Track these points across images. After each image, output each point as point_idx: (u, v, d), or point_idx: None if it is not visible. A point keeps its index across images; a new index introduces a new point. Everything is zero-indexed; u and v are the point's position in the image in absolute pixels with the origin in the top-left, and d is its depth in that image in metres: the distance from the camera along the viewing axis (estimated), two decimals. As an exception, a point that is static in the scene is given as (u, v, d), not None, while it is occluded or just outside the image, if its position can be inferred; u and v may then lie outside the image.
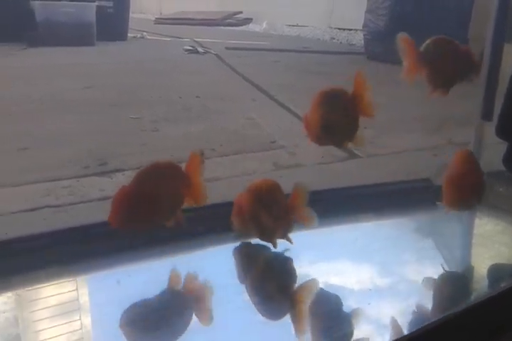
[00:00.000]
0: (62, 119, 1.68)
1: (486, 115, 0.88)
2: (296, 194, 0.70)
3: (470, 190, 0.76)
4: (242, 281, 0.71)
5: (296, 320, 0.60)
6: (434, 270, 0.73)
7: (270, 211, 0.69)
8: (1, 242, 0.77)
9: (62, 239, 0.81)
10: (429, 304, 0.66)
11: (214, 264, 0.77)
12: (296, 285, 0.68)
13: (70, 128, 1.57)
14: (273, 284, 0.71)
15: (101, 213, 0.97)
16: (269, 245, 0.73)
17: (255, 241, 0.76)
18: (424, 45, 0.78)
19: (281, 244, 0.73)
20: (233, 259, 0.76)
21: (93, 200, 1.03)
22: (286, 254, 0.74)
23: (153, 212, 0.68)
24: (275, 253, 0.74)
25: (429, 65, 0.78)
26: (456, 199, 0.76)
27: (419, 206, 0.90)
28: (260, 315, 0.63)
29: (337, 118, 0.67)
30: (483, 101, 0.88)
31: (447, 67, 0.79)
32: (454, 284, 0.72)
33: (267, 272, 0.75)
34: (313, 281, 0.68)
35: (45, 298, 0.71)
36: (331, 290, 0.67)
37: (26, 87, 2.27)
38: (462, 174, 0.76)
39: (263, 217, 0.69)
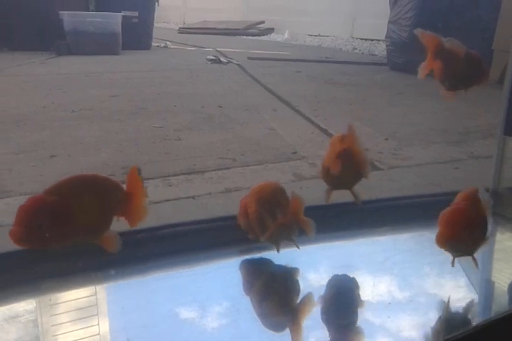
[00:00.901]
0: (90, 127, 1.73)
1: (509, 130, 0.88)
2: (294, 202, 0.72)
3: (466, 229, 0.65)
4: (247, 293, 0.72)
5: (293, 334, 0.61)
6: (455, 284, 0.74)
7: (273, 213, 0.71)
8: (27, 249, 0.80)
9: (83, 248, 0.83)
10: (448, 318, 0.66)
11: (221, 277, 0.78)
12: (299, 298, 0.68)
13: (96, 136, 1.61)
14: (276, 297, 0.71)
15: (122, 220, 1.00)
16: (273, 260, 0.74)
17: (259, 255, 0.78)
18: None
19: (288, 255, 0.74)
20: (239, 273, 0.77)
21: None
22: (293, 266, 0.75)
23: (66, 227, 0.60)
24: (280, 267, 0.75)
25: (442, 62, 0.80)
26: (448, 238, 0.65)
27: (437, 220, 0.90)
28: (264, 326, 0.64)
29: (351, 173, 0.83)
30: (505, 116, 0.89)
31: (457, 68, 0.81)
32: (474, 299, 0.72)
33: (271, 286, 0.76)
34: (311, 296, 0.68)
35: (65, 302, 0.73)
36: (349, 303, 0.68)
37: (56, 95, 2.34)
38: (459, 210, 0.67)
39: (266, 218, 0.71)
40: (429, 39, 0.79)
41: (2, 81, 2.76)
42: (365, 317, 0.65)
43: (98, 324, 0.69)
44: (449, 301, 0.71)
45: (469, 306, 0.71)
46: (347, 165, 0.79)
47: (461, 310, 0.69)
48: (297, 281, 0.73)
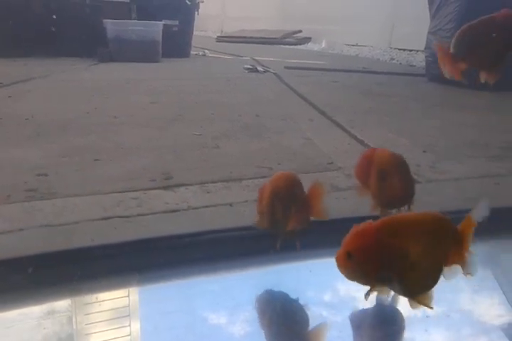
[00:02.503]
0: (131, 133, 1.79)
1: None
2: (314, 190, 0.73)
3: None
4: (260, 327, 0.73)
5: None
6: (491, 301, 0.73)
7: (284, 203, 0.72)
8: (65, 250, 0.84)
9: (124, 250, 0.86)
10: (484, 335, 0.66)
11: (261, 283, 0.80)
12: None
13: (137, 142, 1.66)
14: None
15: (165, 225, 1.04)
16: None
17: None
18: (455, 37, 0.78)
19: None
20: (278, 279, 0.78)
21: (158, 212, 1.09)
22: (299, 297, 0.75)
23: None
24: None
25: (468, 55, 0.77)
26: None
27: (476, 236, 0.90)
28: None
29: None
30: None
31: (487, 48, 0.77)
32: (508, 318, 0.71)
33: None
34: (325, 325, 0.69)
35: (99, 302, 0.76)
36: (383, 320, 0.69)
37: (100, 100, 2.42)
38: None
39: (276, 208, 0.72)
40: (440, 54, 0.79)
41: (47, 86, 2.87)
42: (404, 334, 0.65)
43: (129, 325, 0.71)
44: (484, 318, 0.70)
45: (504, 324, 0.70)
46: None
47: (495, 328, 0.69)
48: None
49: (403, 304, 0.71)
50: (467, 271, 0.58)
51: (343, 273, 0.53)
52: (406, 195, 0.77)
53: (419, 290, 0.56)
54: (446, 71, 0.79)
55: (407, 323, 0.66)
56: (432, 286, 0.56)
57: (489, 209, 0.58)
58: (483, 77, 0.78)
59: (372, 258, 0.51)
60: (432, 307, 0.57)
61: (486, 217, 0.59)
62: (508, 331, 0.67)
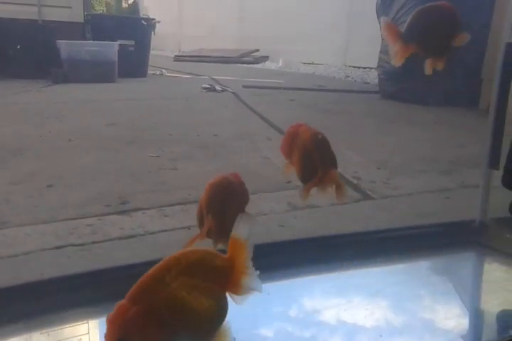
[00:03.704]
0: (87, 156, 1.76)
1: (493, 164, 0.91)
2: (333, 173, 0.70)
3: None
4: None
5: None
6: (444, 316, 0.75)
7: (214, 209, 0.69)
8: (25, 284, 0.80)
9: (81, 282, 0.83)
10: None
11: None
12: None
13: (93, 166, 1.63)
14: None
15: (120, 252, 1.02)
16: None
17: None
18: (408, 20, 0.79)
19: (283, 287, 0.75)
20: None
21: (114, 239, 1.07)
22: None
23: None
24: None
25: (417, 38, 0.78)
26: None
27: (427, 251, 0.93)
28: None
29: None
30: (490, 150, 0.92)
31: (436, 34, 0.77)
32: (463, 330, 0.73)
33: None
34: None
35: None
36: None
37: (53, 123, 2.37)
38: None
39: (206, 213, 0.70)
40: (388, 28, 0.78)
41: (-1, 109, 2.79)
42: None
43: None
44: (439, 333, 0.72)
45: (458, 338, 0.72)
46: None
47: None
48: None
49: (358, 323, 0.72)
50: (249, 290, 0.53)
51: None
52: (326, 172, 0.75)
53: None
54: (395, 51, 0.79)
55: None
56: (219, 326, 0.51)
57: (249, 222, 0.53)
58: (430, 64, 0.79)
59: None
60: None
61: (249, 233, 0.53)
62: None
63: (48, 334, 0.71)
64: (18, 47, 4.23)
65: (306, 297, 0.80)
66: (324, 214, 1.29)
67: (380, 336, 0.68)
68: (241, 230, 0.54)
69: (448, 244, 0.92)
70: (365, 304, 0.76)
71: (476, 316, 0.78)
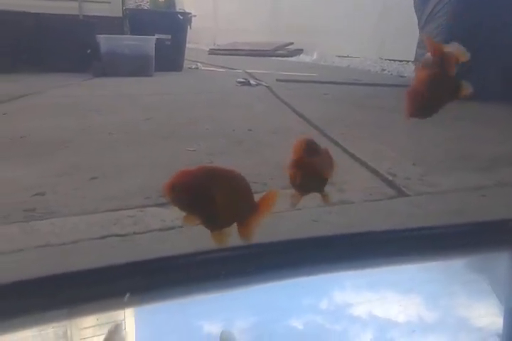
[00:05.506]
0: (126, 150, 1.82)
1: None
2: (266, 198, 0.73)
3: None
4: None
5: None
6: (478, 313, 0.76)
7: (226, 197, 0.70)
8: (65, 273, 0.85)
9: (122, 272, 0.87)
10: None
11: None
12: None
13: (133, 159, 1.69)
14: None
15: (161, 243, 1.06)
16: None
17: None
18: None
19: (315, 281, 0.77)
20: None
21: (155, 230, 1.11)
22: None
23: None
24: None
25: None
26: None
27: (462, 249, 0.93)
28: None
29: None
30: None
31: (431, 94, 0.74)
32: (496, 328, 0.74)
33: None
34: None
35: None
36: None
37: (93, 117, 2.45)
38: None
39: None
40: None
41: (41, 103, 2.90)
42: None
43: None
44: (478, 330, 0.73)
45: (494, 335, 0.73)
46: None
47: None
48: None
49: (396, 320, 0.74)
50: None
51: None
52: (318, 180, 0.78)
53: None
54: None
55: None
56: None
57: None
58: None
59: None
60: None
61: None
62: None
63: (97, 319, 0.76)
64: (61, 42, 4.36)
65: (338, 291, 0.82)
66: (357, 210, 1.30)
67: (413, 331, 0.69)
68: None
69: (483, 243, 0.92)
70: (398, 300, 0.78)
71: (510, 315, 0.78)
